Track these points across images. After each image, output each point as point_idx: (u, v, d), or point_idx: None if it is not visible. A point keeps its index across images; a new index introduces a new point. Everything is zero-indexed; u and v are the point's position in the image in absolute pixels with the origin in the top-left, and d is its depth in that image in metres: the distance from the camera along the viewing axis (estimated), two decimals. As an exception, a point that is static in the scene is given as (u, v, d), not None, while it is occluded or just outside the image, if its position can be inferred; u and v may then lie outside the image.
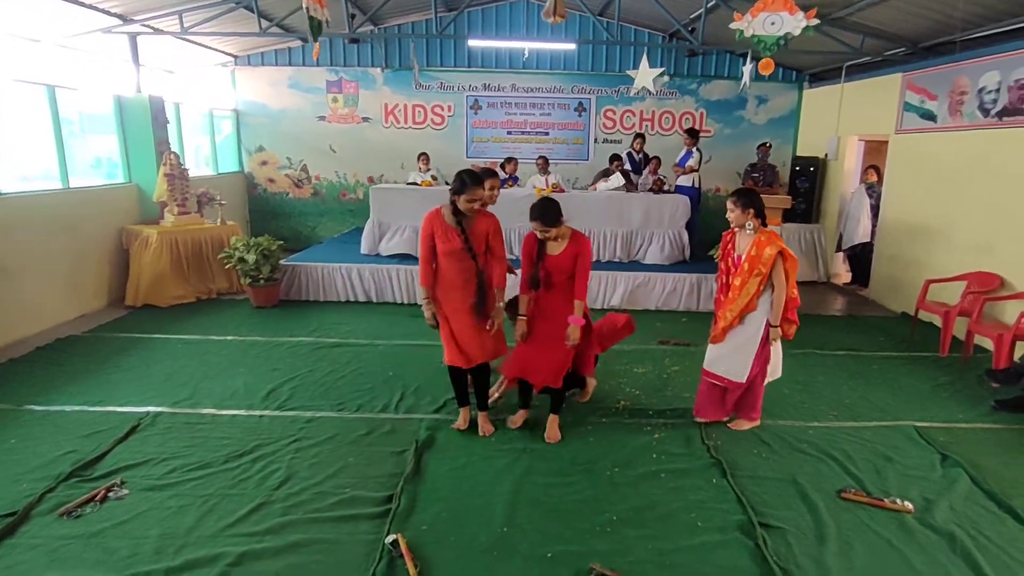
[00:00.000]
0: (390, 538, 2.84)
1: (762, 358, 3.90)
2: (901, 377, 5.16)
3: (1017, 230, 5.62)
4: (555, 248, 3.69)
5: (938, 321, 6.15)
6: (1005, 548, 2.92)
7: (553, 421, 3.95)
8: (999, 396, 4.64)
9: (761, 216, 3.78)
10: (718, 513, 3.17)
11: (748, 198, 3.77)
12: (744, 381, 3.92)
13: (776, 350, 3.94)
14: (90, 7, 6.57)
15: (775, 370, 4.01)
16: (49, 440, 3.77)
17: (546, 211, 3.58)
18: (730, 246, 3.95)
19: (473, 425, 3.99)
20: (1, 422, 4.00)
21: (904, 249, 7.28)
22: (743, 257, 3.80)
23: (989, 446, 3.98)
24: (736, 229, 3.90)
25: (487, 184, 4.07)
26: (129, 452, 3.64)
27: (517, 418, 4.04)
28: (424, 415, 4.21)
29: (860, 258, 8.40)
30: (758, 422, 4.10)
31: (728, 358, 3.95)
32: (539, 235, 3.64)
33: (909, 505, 3.24)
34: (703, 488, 3.41)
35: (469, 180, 3.53)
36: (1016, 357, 5.00)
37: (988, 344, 5.66)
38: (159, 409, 4.21)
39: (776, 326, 3.79)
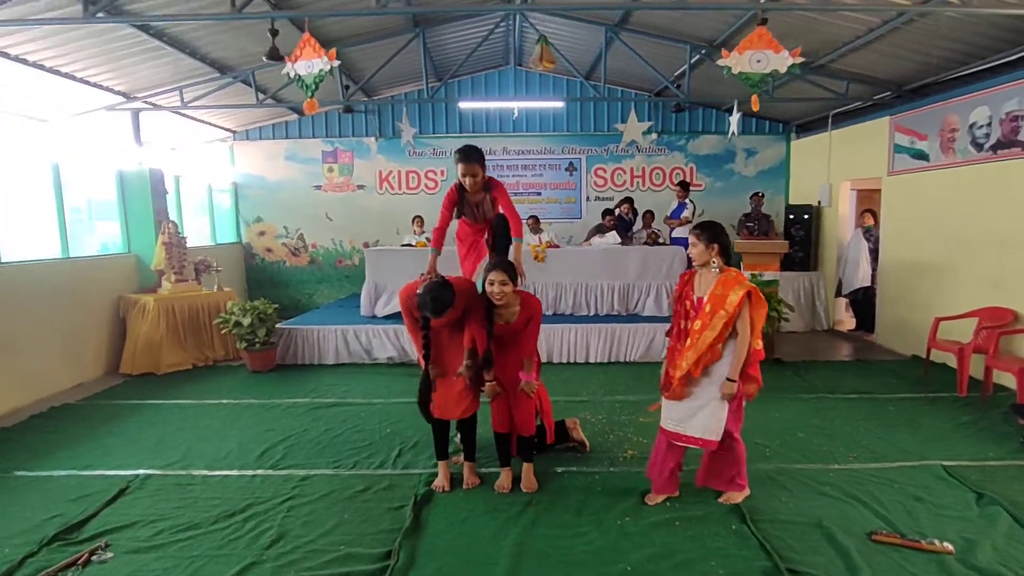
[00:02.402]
0: (387, 595, 2.62)
1: (737, 414, 3.42)
2: (920, 418, 4.97)
3: (1026, 262, 5.53)
4: (508, 316, 3.62)
5: (951, 360, 6.00)
6: (1057, 586, 2.70)
7: (528, 470, 3.80)
8: (1028, 431, 4.44)
9: (727, 255, 3.36)
10: (740, 560, 2.95)
11: (713, 232, 3.34)
12: (718, 439, 3.36)
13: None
14: (95, 86, 6.77)
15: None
16: (35, 505, 3.63)
17: (509, 264, 3.59)
18: (688, 287, 3.46)
19: (457, 482, 3.82)
20: (-14, 490, 3.84)
21: (908, 290, 7.19)
22: (705, 298, 3.31)
23: (1026, 483, 3.75)
24: (697, 268, 3.45)
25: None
26: (116, 515, 3.49)
27: (504, 481, 3.77)
28: (423, 470, 4.02)
29: (863, 303, 8.29)
30: (747, 491, 3.58)
31: (698, 416, 3.38)
32: (496, 298, 3.52)
33: (949, 546, 3.02)
34: (722, 535, 3.19)
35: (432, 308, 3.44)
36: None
37: (1007, 380, 5.49)
38: (149, 472, 4.06)
39: (734, 380, 3.27)
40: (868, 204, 8.90)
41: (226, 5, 4.43)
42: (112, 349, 6.91)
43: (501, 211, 4.07)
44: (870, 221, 8.10)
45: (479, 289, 3.68)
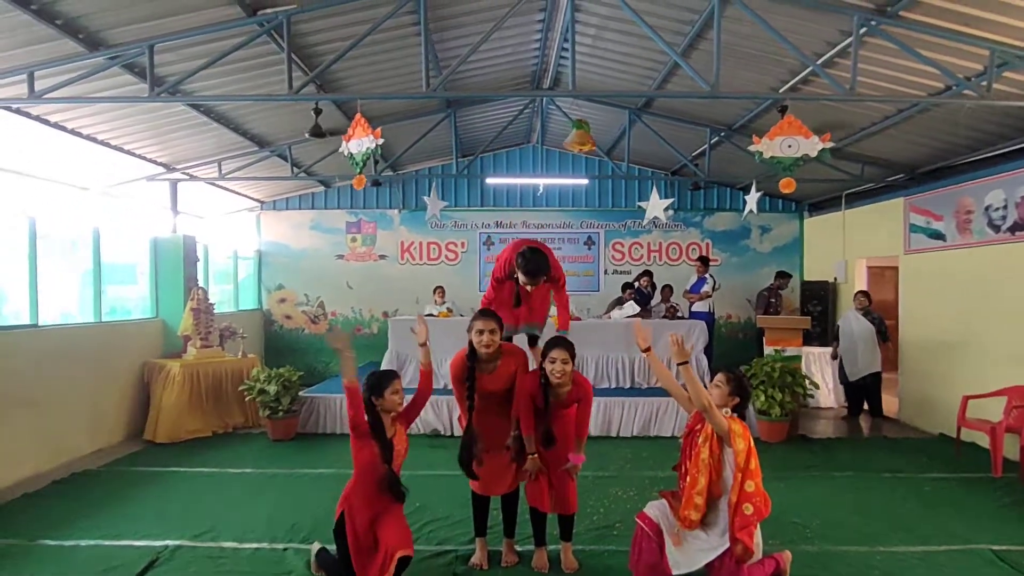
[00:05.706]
0: None
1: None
2: (960, 498, 4.90)
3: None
4: (561, 395, 3.58)
5: (981, 439, 5.93)
6: None
7: (567, 549, 3.75)
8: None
9: (741, 409, 3.35)
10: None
11: (742, 386, 3.34)
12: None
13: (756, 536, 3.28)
14: (140, 157, 7.06)
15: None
16: (62, 578, 3.53)
17: (570, 343, 3.55)
18: (699, 426, 3.38)
19: (494, 559, 3.76)
20: (13, 558, 3.78)
21: (930, 367, 7.18)
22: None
23: (1080, 569, 3.65)
24: None
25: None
26: (147, 590, 3.39)
27: (541, 561, 3.72)
28: (458, 547, 3.97)
29: (871, 388, 7.85)
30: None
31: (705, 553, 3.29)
32: (556, 376, 3.46)
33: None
34: (775, 621, 3.11)
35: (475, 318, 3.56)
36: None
37: (1042, 460, 5.43)
38: (178, 543, 3.99)
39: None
40: (879, 282, 8.92)
41: (281, 86, 4.67)
42: (134, 414, 6.89)
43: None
44: (865, 303, 7.81)
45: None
